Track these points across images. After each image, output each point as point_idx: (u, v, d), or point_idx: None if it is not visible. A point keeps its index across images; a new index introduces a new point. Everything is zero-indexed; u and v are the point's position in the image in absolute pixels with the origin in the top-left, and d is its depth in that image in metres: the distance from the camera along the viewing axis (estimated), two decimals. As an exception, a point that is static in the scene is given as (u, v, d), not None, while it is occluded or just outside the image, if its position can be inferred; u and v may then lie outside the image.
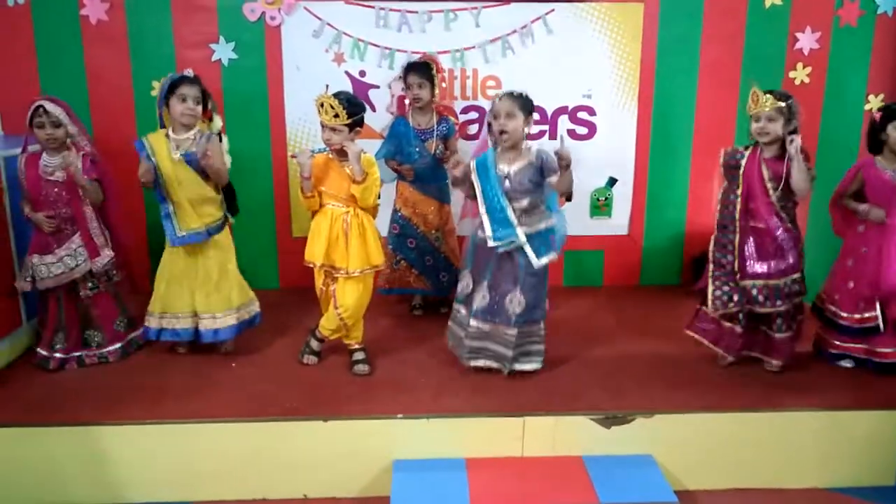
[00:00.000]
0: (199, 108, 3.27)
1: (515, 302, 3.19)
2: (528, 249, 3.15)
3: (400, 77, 3.92)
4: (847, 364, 3.42)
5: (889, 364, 3.32)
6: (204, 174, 3.31)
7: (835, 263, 3.49)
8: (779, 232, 3.18)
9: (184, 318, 3.44)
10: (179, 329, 3.45)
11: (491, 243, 3.16)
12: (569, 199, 4.18)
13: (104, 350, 3.41)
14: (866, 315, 3.32)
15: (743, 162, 3.23)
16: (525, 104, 3.10)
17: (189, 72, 3.34)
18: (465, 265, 3.36)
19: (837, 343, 3.43)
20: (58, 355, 3.35)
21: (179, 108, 3.21)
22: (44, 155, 3.25)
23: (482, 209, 3.19)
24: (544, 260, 3.18)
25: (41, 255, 3.26)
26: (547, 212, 3.22)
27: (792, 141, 3.03)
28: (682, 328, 3.54)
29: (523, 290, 3.18)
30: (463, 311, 3.34)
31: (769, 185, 3.16)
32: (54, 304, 3.36)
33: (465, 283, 3.33)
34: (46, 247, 3.26)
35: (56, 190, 3.23)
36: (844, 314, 3.38)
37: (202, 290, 3.40)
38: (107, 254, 3.34)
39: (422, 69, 3.78)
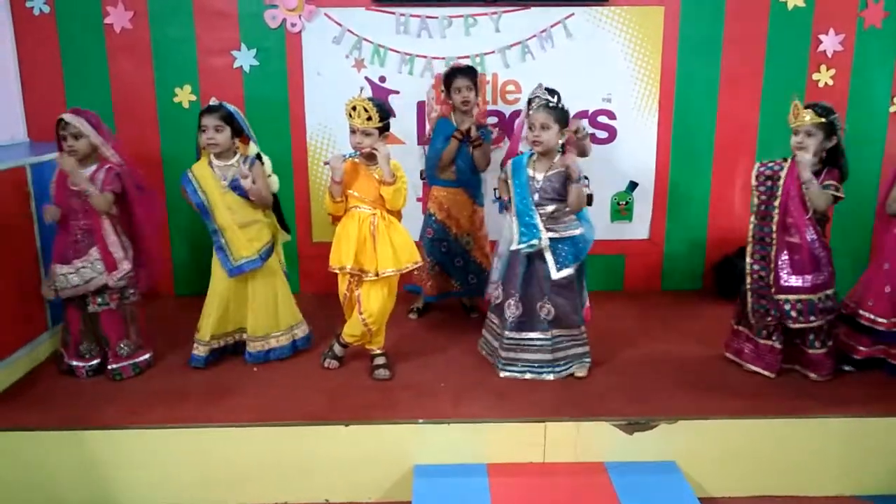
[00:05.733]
0: (222, 135, 3.27)
1: (545, 310, 3.25)
2: (548, 257, 3.21)
3: (434, 86, 3.93)
4: (847, 368, 3.37)
5: None
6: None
7: (869, 269, 3.43)
8: (815, 246, 3.14)
9: (232, 333, 3.51)
10: (225, 345, 3.51)
11: (514, 246, 3.23)
12: (589, 202, 4.18)
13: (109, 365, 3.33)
14: None
15: (782, 174, 3.19)
16: (561, 116, 3.18)
17: (213, 100, 3.34)
18: (496, 276, 3.41)
19: (862, 349, 3.36)
20: (88, 364, 3.32)
21: (202, 138, 3.28)
22: None
23: (512, 211, 3.26)
24: (563, 273, 3.21)
25: (62, 264, 3.23)
26: (576, 220, 3.26)
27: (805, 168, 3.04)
28: (721, 347, 3.53)
29: (550, 299, 3.24)
30: (496, 320, 3.41)
31: (808, 201, 3.12)
32: (77, 314, 3.31)
33: (496, 294, 3.39)
34: (66, 257, 3.23)
35: (77, 201, 3.21)
36: (882, 319, 3.29)
37: (254, 313, 3.43)
38: (124, 268, 3.26)
39: (470, 73, 3.84)
